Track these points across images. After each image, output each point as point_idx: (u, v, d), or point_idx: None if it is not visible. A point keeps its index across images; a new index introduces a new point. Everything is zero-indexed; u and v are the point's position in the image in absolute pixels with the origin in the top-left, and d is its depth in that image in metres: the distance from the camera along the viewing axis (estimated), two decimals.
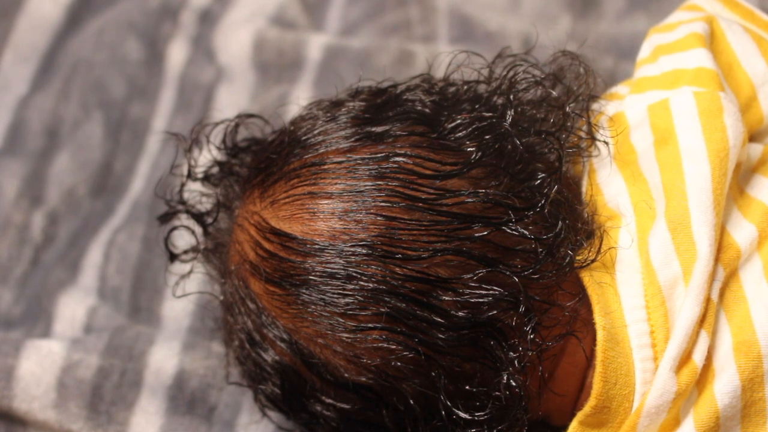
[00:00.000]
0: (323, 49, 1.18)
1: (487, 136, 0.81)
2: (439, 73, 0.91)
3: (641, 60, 0.89)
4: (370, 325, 0.79)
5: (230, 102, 1.18)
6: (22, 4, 1.24)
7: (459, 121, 0.82)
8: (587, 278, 0.81)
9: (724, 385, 0.77)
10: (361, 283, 0.78)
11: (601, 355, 0.78)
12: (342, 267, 0.79)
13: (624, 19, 1.18)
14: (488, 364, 0.79)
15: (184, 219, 0.93)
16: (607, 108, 0.87)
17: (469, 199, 0.79)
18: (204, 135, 0.94)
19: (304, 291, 0.80)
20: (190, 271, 0.94)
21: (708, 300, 0.78)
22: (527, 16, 1.19)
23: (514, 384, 0.78)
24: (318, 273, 0.79)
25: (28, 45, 1.22)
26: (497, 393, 0.78)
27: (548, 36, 0.95)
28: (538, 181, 0.80)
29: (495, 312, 0.78)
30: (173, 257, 0.93)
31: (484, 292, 0.78)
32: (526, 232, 0.78)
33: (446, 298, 0.78)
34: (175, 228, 0.94)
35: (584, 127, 0.85)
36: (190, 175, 0.92)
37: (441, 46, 1.17)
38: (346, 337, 0.79)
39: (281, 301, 0.81)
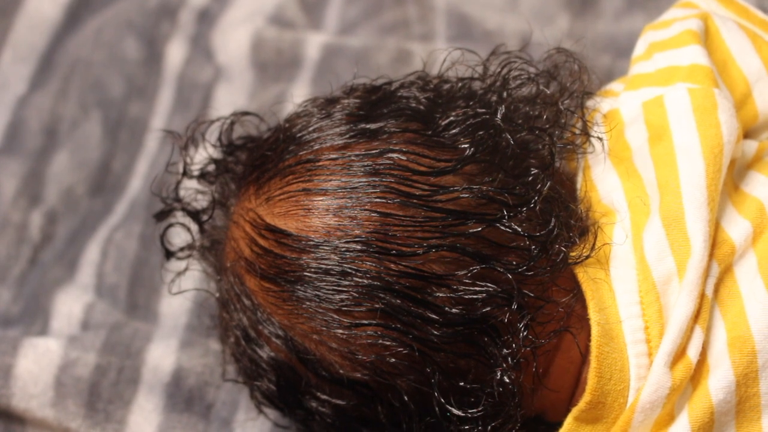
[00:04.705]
0: (321, 48, 1.18)
1: (480, 133, 0.81)
2: (434, 71, 0.91)
3: (636, 57, 0.89)
4: (364, 321, 0.79)
5: (229, 101, 1.18)
6: (20, 4, 1.24)
7: (453, 118, 0.82)
8: (582, 274, 0.81)
9: (719, 381, 0.77)
10: (356, 279, 0.79)
11: (596, 350, 0.78)
12: (337, 263, 0.79)
13: (622, 18, 1.18)
14: (482, 361, 0.79)
15: (180, 216, 0.93)
16: (601, 105, 0.87)
17: (463, 195, 0.79)
18: (200, 133, 0.94)
19: (299, 287, 0.80)
20: (186, 269, 0.94)
21: (702, 296, 0.78)
22: (525, 14, 1.19)
23: (507, 380, 0.78)
24: (313, 269, 0.79)
25: (27, 44, 1.23)
26: (491, 389, 0.78)
27: (546, 35, 0.95)
28: (531, 178, 0.80)
29: (489, 309, 0.78)
30: (169, 254, 0.93)
31: (478, 288, 0.78)
32: (518, 229, 0.78)
33: (440, 295, 0.78)
34: (171, 225, 0.94)
35: (579, 124, 0.85)
36: (186, 173, 0.92)
37: (439, 44, 1.17)
38: (341, 334, 0.79)
39: (276, 297, 0.82)
